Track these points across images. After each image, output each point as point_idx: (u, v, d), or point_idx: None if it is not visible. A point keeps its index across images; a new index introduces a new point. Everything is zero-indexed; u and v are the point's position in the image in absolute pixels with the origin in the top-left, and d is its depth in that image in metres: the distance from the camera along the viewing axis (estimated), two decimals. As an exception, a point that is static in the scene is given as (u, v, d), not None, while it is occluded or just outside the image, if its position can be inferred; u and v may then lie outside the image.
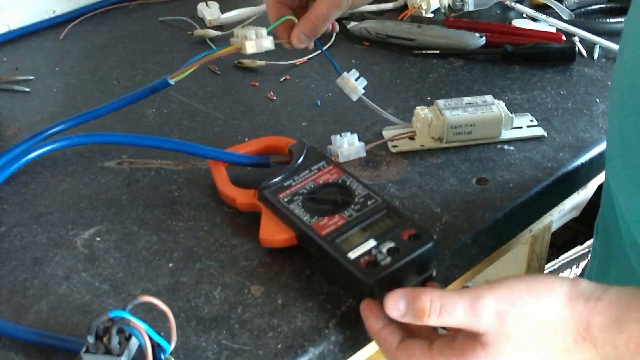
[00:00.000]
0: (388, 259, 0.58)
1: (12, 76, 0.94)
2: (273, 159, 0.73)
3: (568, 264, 1.39)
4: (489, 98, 0.80)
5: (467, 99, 0.80)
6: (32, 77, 0.94)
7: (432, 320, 0.52)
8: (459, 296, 0.52)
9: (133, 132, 0.82)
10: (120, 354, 0.51)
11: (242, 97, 0.85)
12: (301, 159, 0.69)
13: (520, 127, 0.81)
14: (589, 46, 0.96)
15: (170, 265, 0.63)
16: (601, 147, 0.78)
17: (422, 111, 0.79)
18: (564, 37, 0.97)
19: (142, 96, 0.80)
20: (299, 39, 0.76)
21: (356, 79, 0.78)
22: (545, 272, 1.25)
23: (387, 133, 0.80)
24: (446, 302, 0.52)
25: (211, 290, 0.60)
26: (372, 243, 0.59)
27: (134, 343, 0.53)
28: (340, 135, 0.76)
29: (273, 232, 0.64)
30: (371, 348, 0.62)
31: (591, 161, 0.77)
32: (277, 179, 0.67)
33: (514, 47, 0.95)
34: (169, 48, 1.03)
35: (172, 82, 0.76)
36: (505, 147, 0.77)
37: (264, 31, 0.74)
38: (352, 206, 0.63)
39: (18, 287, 0.62)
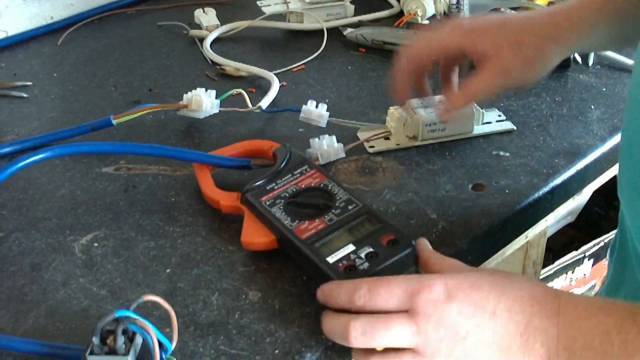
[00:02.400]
0: (366, 264, 0.58)
1: (10, 82, 0.95)
2: (254, 161, 0.73)
3: (563, 269, 1.40)
4: None
5: (438, 97, 0.81)
6: (29, 83, 0.95)
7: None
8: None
9: (131, 138, 0.82)
10: (126, 354, 0.51)
11: (239, 102, 0.86)
12: (284, 162, 0.69)
13: (490, 122, 0.83)
14: (584, 53, 0.97)
15: (168, 270, 0.64)
16: (596, 153, 0.78)
17: (395, 111, 0.80)
18: (559, 44, 0.98)
19: (83, 132, 0.81)
20: (449, 115, 0.77)
21: (316, 107, 0.81)
22: (541, 277, 1.26)
23: (362, 134, 0.81)
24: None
25: (209, 296, 0.61)
26: (350, 247, 0.59)
27: (137, 342, 0.53)
28: (319, 138, 0.77)
29: (254, 235, 0.64)
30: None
31: (586, 167, 0.77)
32: (259, 182, 0.67)
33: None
34: (167, 54, 1.03)
35: (114, 122, 0.79)
36: (501, 153, 0.78)
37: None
38: (333, 210, 0.63)
39: (16, 293, 0.62)
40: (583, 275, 1.46)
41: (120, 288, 0.62)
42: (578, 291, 1.46)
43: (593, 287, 1.50)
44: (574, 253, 1.42)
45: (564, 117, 0.84)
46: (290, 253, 0.63)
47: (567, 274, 1.41)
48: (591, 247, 1.44)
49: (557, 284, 1.41)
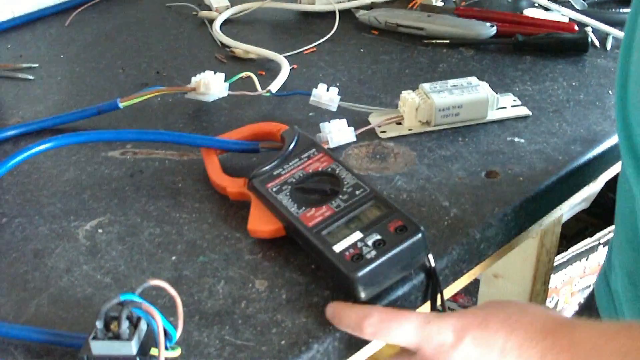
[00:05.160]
0: (373, 252, 0.56)
1: (16, 64, 0.93)
2: (263, 144, 0.72)
3: (577, 257, 1.38)
4: (473, 80, 0.80)
5: (452, 82, 0.80)
6: (36, 65, 0.93)
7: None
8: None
9: (138, 121, 0.81)
10: (129, 339, 0.50)
11: (249, 86, 0.84)
12: (292, 145, 0.68)
13: (505, 107, 0.81)
14: (602, 36, 0.95)
15: (174, 258, 0.62)
16: (613, 140, 0.76)
17: (408, 95, 0.78)
18: (576, 27, 0.96)
19: (89, 115, 0.80)
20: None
21: (327, 90, 0.79)
22: (555, 264, 1.24)
23: (373, 119, 0.79)
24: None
25: (215, 284, 0.59)
26: (358, 235, 0.58)
27: (141, 328, 0.52)
28: (329, 122, 0.75)
29: (261, 223, 0.63)
30: (375, 345, 0.61)
31: (603, 154, 0.75)
32: (266, 168, 0.66)
33: (526, 37, 0.93)
34: (175, 36, 1.02)
35: (121, 106, 0.78)
36: (516, 139, 0.76)
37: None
38: (340, 196, 0.62)
39: (18, 280, 0.61)
40: (597, 263, 1.44)
41: (124, 275, 0.61)
42: (592, 279, 1.44)
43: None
44: (588, 240, 1.40)
45: (581, 103, 0.82)
46: (297, 241, 0.61)
47: (580, 261, 1.39)
48: (605, 234, 1.42)
49: (571, 271, 1.39)
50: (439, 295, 0.61)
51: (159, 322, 0.49)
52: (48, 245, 0.64)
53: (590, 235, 1.42)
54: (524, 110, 0.80)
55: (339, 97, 0.79)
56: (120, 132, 0.75)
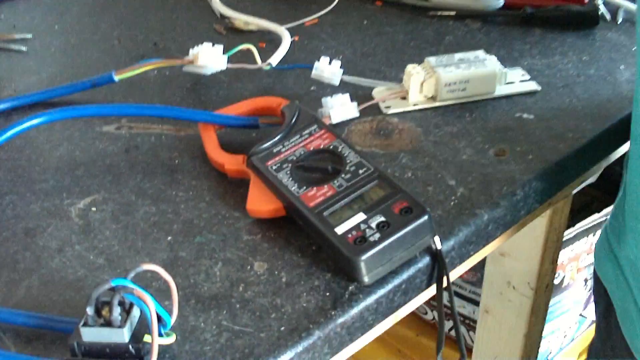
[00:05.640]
0: (377, 235, 0.54)
1: (9, 34, 0.90)
2: (262, 119, 0.69)
3: (584, 232, 1.36)
4: (480, 53, 0.77)
5: (458, 55, 0.77)
6: (29, 36, 0.90)
7: None
8: None
9: (133, 95, 0.78)
10: (121, 326, 0.48)
11: (248, 58, 0.81)
12: (292, 121, 0.65)
13: (513, 82, 0.78)
14: (613, 9, 0.92)
15: (169, 238, 0.60)
16: (625, 116, 0.73)
17: (413, 69, 0.75)
18: (586, 0, 0.92)
19: (83, 88, 0.77)
20: None
21: (329, 63, 0.76)
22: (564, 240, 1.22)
23: (377, 93, 0.77)
24: None
25: (212, 267, 0.57)
26: (361, 217, 0.56)
27: (134, 314, 0.50)
28: (331, 96, 0.73)
29: (260, 202, 0.61)
30: (379, 329, 0.59)
31: (615, 131, 0.73)
32: (266, 144, 0.63)
33: (534, 9, 0.90)
34: (173, 6, 0.99)
35: (117, 79, 0.75)
36: (525, 115, 0.73)
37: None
38: (343, 175, 0.59)
39: (8, 260, 0.58)
40: (604, 239, 1.41)
41: (118, 256, 0.58)
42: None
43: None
44: (595, 216, 1.38)
45: (592, 78, 0.79)
46: (298, 222, 0.59)
47: (587, 237, 1.37)
48: (613, 210, 1.39)
49: (577, 247, 1.37)
50: (444, 278, 0.59)
51: (152, 308, 0.47)
52: (40, 224, 0.62)
53: (598, 210, 1.40)
54: (532, 85, 0.78)
55: (342, 70, 0.76)
56: (115, 106, 0.72)
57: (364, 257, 0.53)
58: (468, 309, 1.50)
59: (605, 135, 0.72)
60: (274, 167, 0.61)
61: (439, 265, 0.58)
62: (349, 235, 0.54)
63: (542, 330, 0.98)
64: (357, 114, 0.73)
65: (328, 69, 0.77)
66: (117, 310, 0.48)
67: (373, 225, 0.55)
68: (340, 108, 0.72)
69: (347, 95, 0.73)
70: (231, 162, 0.65)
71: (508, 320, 0.95)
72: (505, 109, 0.74)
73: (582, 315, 1.50)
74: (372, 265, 0.54)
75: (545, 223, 0.84)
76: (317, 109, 0.72)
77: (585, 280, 1.45)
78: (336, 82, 0.77)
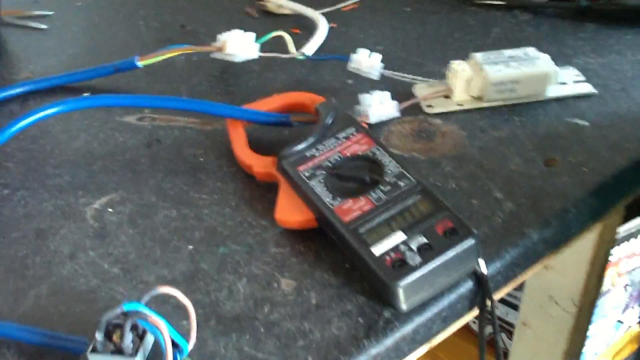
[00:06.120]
0: (417, 259, 0.49)
1: (29, 11, 0.85)
2: (294, 117, 0.64)
3: (626, 237, 1.29)
4: (532, 51, 0.71)
5: (507, 52, 0.71)
6: (50, 13, 0.86)
7: None
8: None
9: (158, 82, 0.73)
10: (133, 354, 0.44)
11: (281, 46, 0.76)
12: (328, 122, 0.60)
13: (566, 83, 0.72)
14: (675, 3, 0.85)
15: (190, 247, 0.55)
16: (688, 125, 0.67)
17: (459, 66, 0.70)
18: (647, -7, 0.86)
19: (105, 74, 0.73)
20: None
21: (368, 56, 0.71)
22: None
23: (419, 90, 0.71)
24: None
25: (235, 282, 0.52)
26: (400, 237, 0.50)
27: (148, 341, 0.45)
28: (370, 93, 0.67)
29: (290, 212, 0.55)
30: (412, 357, 0.54)
31: (676, 142, 0.67)
32: (299, 147, 0.58)
33: (589, 1, 0.84)
34: (203, -15, 0.94)
35: (139, 64, 0.70)
36: (579, 121, 0.68)
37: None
38: (382, 187, 0.54)
39: (17, 265, 0.54)
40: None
41: (134, 266, 0.54)
42: None
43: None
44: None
45: (651, 81, 0.73)
46: (331, 236, 0.54)
47: (629, 241, 1.31)
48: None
49: (618, 252, 1.31)
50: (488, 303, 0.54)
51: (167, 337, 0.42)
52: (52, 225, 0.57)
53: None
54: (587, 88, 0.72)
55: (382, 64, 0.71)
56: (137, 97, 0.67)
57: (402, 284, 0.48)
58: (502, 310, 1.45)
59: (665, 146, 0.66)
60: (307, 174, 0.56)
61: (482, 290, 0.53)
62: (387, 257, 0.49)
63: (583, 347, 0.93)
64: (397, 114, 0.68)
65: (367, 62, 0.71)
66: (129, 337, 0.43)
67: (413, 247, 0.50)
68: (379, 107, 0.67)
69: (387, 94, 0.67)
70: (260, 165, 0.60)
71: (547, 336, 0.90)
72: (558, 113, 0.69)
73: (620, 321, 1.45)
74: (411, 291, 0.49)
75: (594, 237, 0.78)
76: (353, 106, 0.67)
77: (626, 287, 1.39)
78: (375, 77, 0.71)
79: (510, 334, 1.62)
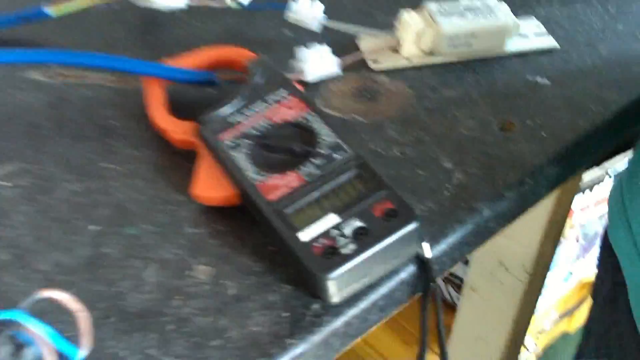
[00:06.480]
0: (351, 246, 0.42)
1: None
2: (221, 75, 0.56)
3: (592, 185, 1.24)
4: (491, 0, 0.64)
5: (464, 3, 0.64)
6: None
7: None
8: None
9: (72, 33, 0.65)
10: (8, 371, 0.37)
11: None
12: (258, 82, 0.53)
13: (527, 36, 0.65)
14: (645, -52, 0.78)
15: (94, 227, 0.48)
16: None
17: (409, 16, 0.62)
18: None
19: (10, 23, 0.64)
20: None
21: (310, 5, 0.63)
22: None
23: (364, 43, 0.64)
24: None
25: (143, 269, 0.45)
26: (333, 219, 0.44)
27: (28, 353, 0.38)
28: (308, 47, 0.60)
29: (209, 187, 0.49)
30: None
31: (644, 103, 0.61)
32: (222, 112, 0.51)
33: (554, -56, 0.77)
34: None
35: (51, 13, 0.62)
36: (539, 79, 0.61)
37: None
38: (314, 159, 0.47)
39: None
40: (602, 196, 1.30)
41: (29, 250, 0.47)
42: (595, 212, 1.31)
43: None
44: (595, 171, 1.26)
45: (619, 35, 0.67)
46: (254, 215, 0.47)
47: (583, 193, 1.26)
48: (614, 164, 1.28)
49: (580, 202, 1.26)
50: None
51: (48, 350, 0.36)
52: None
53: (597, 164, 1.28)
54: (550, 42, 0.65)
55: (324, 15, 0.63)
56: (40, 52, 0.58)
57: (333, 275, 0.41)
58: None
59: (632, 106, 0.60)
60: (229, 143, 0.49)
61: (425, 275, 0.47)
62: (316, 244, 0.43)
63: (533, 313, 0.88)
64: (338, 71, 0.60)
65: (307, 11, 0.64)
66: (5, 350, 0.36)
67: (347, 231, 0.43)
68: (317, 62, 0.60)
69: (326, 48, 0.60)
70: (177, 130, 0.52)
71: (496, 302, 0.85)
72: (517, 71, 0.62)
73: (570, 272, 1.41)
74: (343, 283, 0.42)
75: (550, 202, 0.72)
76: (289, 60, 0.60)
77: (577, 239, 1.34)
78: (316, 28, 0.64)
79: (459, 288, 1.59)
